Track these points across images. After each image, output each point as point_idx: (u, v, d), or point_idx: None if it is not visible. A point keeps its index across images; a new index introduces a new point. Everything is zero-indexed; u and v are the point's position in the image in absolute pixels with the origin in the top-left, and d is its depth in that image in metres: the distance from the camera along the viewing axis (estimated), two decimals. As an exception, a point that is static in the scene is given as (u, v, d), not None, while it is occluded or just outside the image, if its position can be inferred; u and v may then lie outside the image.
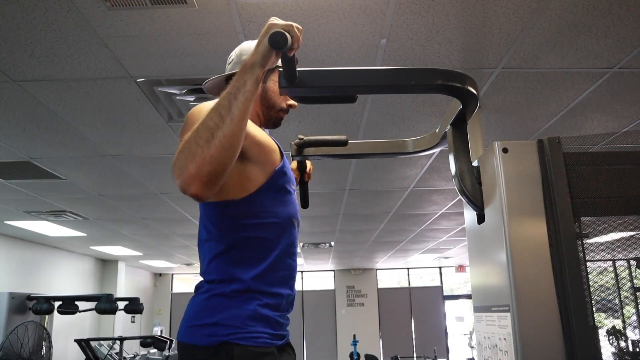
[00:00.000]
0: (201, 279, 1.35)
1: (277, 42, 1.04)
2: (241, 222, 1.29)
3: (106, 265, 9.98)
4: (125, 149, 3.63)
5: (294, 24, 1.08)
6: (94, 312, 6.09)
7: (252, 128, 1.31)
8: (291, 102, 1.49)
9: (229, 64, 1.49)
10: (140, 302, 6.59)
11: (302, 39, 1.13)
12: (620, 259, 1.36)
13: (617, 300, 1.33)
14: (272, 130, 1.54)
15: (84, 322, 8.83)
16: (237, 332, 1.21)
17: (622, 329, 1.34)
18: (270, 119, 1.48)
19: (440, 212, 6.09)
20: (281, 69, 1.19)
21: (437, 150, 1.74)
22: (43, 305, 5.97)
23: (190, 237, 7.31)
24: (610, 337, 1.34)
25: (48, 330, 6.11)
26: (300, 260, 10.41)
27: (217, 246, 1.31)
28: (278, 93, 1.44)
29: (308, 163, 1.98)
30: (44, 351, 5.84)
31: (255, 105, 1.44)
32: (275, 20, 1.09)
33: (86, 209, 5.48)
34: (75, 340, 6.07)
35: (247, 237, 1.29)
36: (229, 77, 1.42)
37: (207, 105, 1.22)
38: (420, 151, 1.75)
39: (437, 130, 1.67)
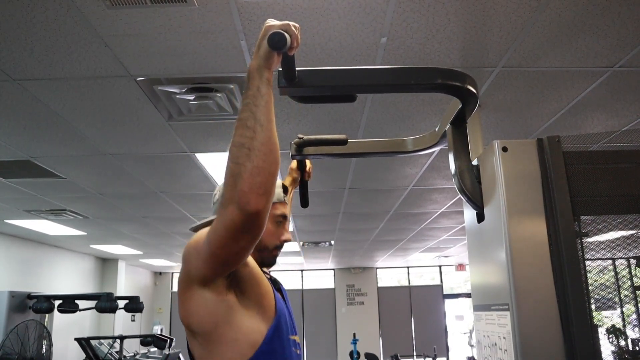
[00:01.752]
0: None
1: (277, 43, 1.04)
2: None
3: (106, 264, 9.99)
4: (125, 147, 3.63)
5: (291, 23, 1.06)
6: (94, 310, 6.10)
7: (251, 264, 1.26)
8: (285, 236, 1.42)
9: (214, 203, 1.43)
10: (140, 300, 6.60)
11: (301, 37, 1.11)
12: (620, 258, 1.36)
13: (616, 299, 1.33)
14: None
15: (84, 321, 8.83)
16: None
17: (621, 328, 1.34)
18: (264, 261, 1.40)
19: (440, 211, 6.09)
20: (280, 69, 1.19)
21: (436, 149, 1.74)
22: (43, 304, 5.98)
23: (190, 236, 7.29)
24: (610, 336, 1.34)
25: (48, 329, 6.11)
26: (300, 259, 10.42)
27: None
28: (272, 234, 1.38)
29: (307, 162, 1.98)
30: (44, 350, 5.84)
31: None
32: (271, 21, 1.07)
33: (86, 208, 5.48)
34: (76, 339, 6.08)
35: None
36: None
37: (203, 233, 1.18)
38: (420, 150, 1.75)
39: (436, 129, 1.67)
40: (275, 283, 1.44)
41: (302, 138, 1.69)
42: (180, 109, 3.06)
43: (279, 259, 1.72)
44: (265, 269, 1.46)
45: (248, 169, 1.01)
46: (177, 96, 2.85)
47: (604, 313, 1.31)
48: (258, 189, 1.01)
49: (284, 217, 1.43)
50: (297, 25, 1.08)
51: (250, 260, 1.26)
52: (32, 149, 3.61)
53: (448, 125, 1.52)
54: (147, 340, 6.91)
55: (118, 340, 6.47)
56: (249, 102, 1.05)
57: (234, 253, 1.10)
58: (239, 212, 1.01)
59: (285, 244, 1.47)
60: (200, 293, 1.17)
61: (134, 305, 6.51)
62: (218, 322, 1.18)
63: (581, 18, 2.21)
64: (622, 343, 1.34)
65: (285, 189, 1.46)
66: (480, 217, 1.38)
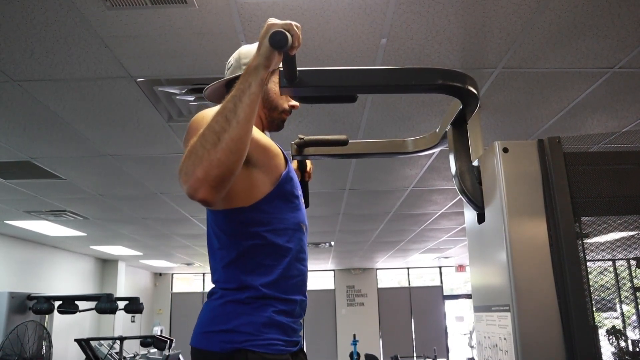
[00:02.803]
0: (213, 286, 1.35)
1: (278, 42, 1.04)
2: (251, 229, 1.28)
3: (106, 265, 9.98)
4: (125, 148, 3.63)
5: (293, 23, 1.08)
6: (94, 311, 6.09)
7: (256, 133, 1.30)
8: (293, 102, 1.47)
9: (228, 69, 1.49)
10: (140, 301, 6.59)
11: (302, 37, 1.12)
12: (621, 259, 1.36)
13: (617, 300, 1.33)
14: (272, 135, 1.53)
15: (84, 322, 8.83)
16: (253, 339, 1.21)
17: (622, 329, 1.34)
18: (274, 121, 1.47)
19: (440, 212, 6.09)
20: (281, 69, 1.19)
21: (437, 150, 1.74)
22: (43, 305, 5.97)
23: (190, 237, 7.31)
24: (610, 337, 1.34)
25: (48, 329, 6.11)
26: (300, 260, 10.39)
27: (228, 254, 1.30)
28: (279, 94, 1.43)
29: (308, 162, 1.98)
30: (44, 351, 5.84)
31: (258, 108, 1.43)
32: (273, 20, 1.08)
33: (86, 209, 5.48)
34: (76, 340, 6.07)
35: (257, 244, 1.28)
36: (229, 83, 1.41)
37: (211, 112, 1.21)
38: (420, 151, 1.75)
39: (437, 130, 1.67)
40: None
41: (302, 138, 1.69)
42: (180, 110, 3.06)
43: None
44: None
45: (210, 157, 1.03)
46: (177, 97, 2.86)
47: (605, 314, 1.31)
48: (211, 181, 1.03)
49: None
50: (298, 25, 1.08)
51: (254, 133, 1.27)
52: (32, 150, 3.61)
53: (448, 126, 1.52)
54: (147, 341, 6.90)
55: (118, 341, 6.47)
56: (235, 95, 1.07)
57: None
58: (189, 193, 1.05)
59: None
60: None
61: (134, 306, 6.50)
62: None
63: (581, 19, 2.21)
64: (623, 344, 1.34)
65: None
66: (481, 218, 1.38)
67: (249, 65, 1.09)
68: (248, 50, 1.44)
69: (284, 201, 1.33)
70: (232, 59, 1.48)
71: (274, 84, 1.44)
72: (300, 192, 1.45)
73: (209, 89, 1.50)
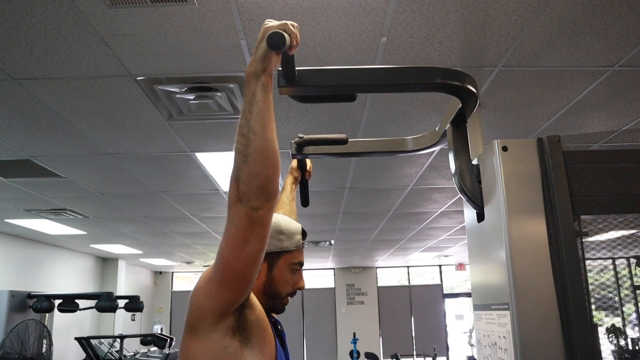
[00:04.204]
0: None
1: (276, 43, 1.03)
2: None
3: (106, 263, 9.99)
4: (125, 147, 3.63)
5: (289, 22, 1.06)
6: (94, 310, 6.10)
7: (256, 302, 1.26)
8: (300, 284, 1.41)
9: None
10: (141, 300, 6.60)
11: (300, 36, 1.11)
12: (620, 257, 1.36)
13: (616, 299, 1.34)
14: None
15: (84, 321, 8.84)
16: None
17: (621, 327, 1.34)
18: (274, 307, 1.39)
19: (440, 211, 6.09)
20: (280, 69, 1.19)
21: (437, 148, 1.75)
22: (43, 304, 5.98)
23: (191, 235, 7.31)
24: (610, 335, 1.34)
25: (48, 328, 6.12)
26: (300, 259, 10.40)
27: None
28: (286, 282, 1.37)
29: (308, 161, 1.98)
30: (44, 349, 5.84)
31: (258, 295, 1.32)
32: (269, 22, 1.06)
33: (86, 208, 5.48)
34: (76, 339, 6.08)
35: None
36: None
37: (209, 269, 1.21)
38: (420, 149, 1.76)
39: (437, 129, 1.67)
40: (276, 326, 1.43)
41: (302, 137, 1.69)
42: (180, 109, 3.05)
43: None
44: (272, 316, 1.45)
45: (245, 173, 1.05)
46: (177, 95, 2.85)
47: (604, 312, 1.31)
48: (256, 190, 1.05)
49: (301, 265, 1.42)
50: (295, 24, 1.07)
51: (257, 305, 1.26)
52: (32, 149, 3.61)
53: (448, 125, 1.52)
54: (147, 339, 6.92)
55: (118, 340, 6.48)
56: (245, 109, 1.07)
57: (246, 258, 1.09)
58: (244, 207, 1.06)
59: None
60: (208, 336, 1.15)
61: (134, 304, 6.51)
62: None
63: (581, 18, 2.21)
64: (622, 342, 1.34)
65: (304, 234, 1.45)
66: (481, 217, 1.38)
67: (247, 74, 1.07)
68: (288, 230, 1.43)
69: None
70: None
71: (279, 271, 1.37)
72: None
73: None
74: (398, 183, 4.84)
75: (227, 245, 1.10)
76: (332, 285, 12.52)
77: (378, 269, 12.67)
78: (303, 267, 1.46)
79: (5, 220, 5.98)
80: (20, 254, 7.25)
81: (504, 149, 1.27)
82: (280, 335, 1.42)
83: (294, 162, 1.98)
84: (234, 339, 1.16)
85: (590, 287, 1.20)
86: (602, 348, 1.17)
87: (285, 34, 1.03)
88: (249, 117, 1.05)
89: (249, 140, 1.05)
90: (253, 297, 1.25)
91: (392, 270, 13.01)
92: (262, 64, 1.06)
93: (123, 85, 2.70)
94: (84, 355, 6.11)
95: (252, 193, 1.05)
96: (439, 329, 12.17)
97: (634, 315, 1.39)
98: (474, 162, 1.43)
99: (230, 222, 1.09)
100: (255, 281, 1.22)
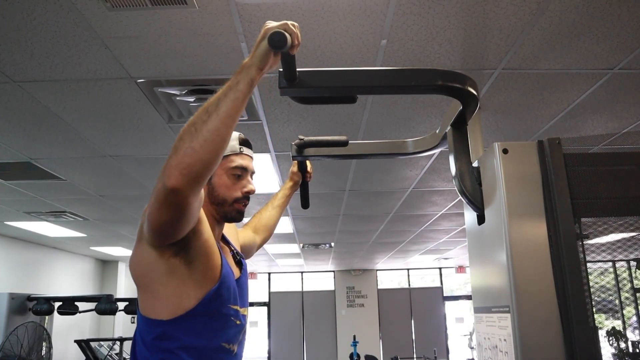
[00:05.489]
0: None
1: (277, 42, 1.03)
2: (163, 344, 1.23)
3: (106, 266, 9.98)
4: (125, 149, 3.63)
5: (289, 22, 1.06)
6: (94, 312, 6.09)
7: (205, 229, 1.28)
8: (248, 187, 1.41)
9: None
10: (140, 303, 6.58)
11: (301, 37, 1.11)
12: (621, 260, 1.36)
13: (617, 301, 1.33)
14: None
15: (84, 323, 8.82)
16: None
17: (622, 330, 1.34)
18: (227, 215, 1.40)
19: (440, 213, 6.08)
20: (281, 70, 1.19)
21: (437, 151, 1.74)
22: (43, 306, 5.98)
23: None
24: (610, 338, 1.34)
25: (48, 330, 6.11)
26: (300, 261, 10.40)
27: None
28: (228, 187, 1.39)
29: (308, 163, 1.98)
30: (43, 352, 5.84)
31: (207, 205, 1.37)
32: (270, 23, 1.06)
33: (86, 210, 5.48)
34: (75, 341, 6.07)
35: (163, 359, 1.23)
36: None
37: None
38: (420, 152, 1.75)
39: (437, 131, 1.67)
40: (235, 255, 1.48)
41: (302, 139, 1.69)
42: (180, 111, 3.06)
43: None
44: (232, 244, 1.51)
45: (185, 146, 1.04)
46: (177, 98, 2.86)
47: (605, 315, 1.31)
48: (183, 169, 1.03)
49: (242, 169, 1.41)
50: (295, 24, 1.07)
51: (206, 230, 1.28)
52: (32, 151, 3.61)
53: (448, 127, 1.51)
54: (147, 342, 6.89)
55: (118, 342, 6.47)
56: (222, 91, 1.06)
57: (162, 224, 1.14)
58: (161, 185, 1.05)
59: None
60: (146, 249, 1.23)
61: (134, 307, 6.49)
62: (154, 279, 1.23)
63: (581, 20, 2.21)
64: (623, 345, 1.34)
65: (244, 142, 1.45)
66: (481, 219, 1.38)
67: (242, 64, 1.07)
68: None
69: (206, 319, 1.27)
70: None
71: (217, 178, 1.39)
72: (235, 308, 1.36)
73: None
74: (398, 185, 4.84)
75: (148, 208, 1.14)
76: (332, 288, 12.50)
77: (378, 272, 12.66)
78: (253, 174, 1.46)
79: (5, 222, 5.97)
80: (20, 257, 7.25)
81: (505, 151, 1.26)
82: (239, 262, 1.47)
83: (294, 166, 1.98)
84: (174, 257, 1.22)
85: (591, 289, 1.20)
86: (603, 351, 1.17)
87: (286, 34, 1.03)
88: (222, 99, 1.05)
89: (210, 117, 1.04)
90: (202, 224, 1.27)
91: (392, 272, 13.00)
92: (259, 62, 1.06)
93: (123, 87, 2.70)
94: (83, 357, 6.10)
95: (177, 169, 1.03)
96: (439, 332, 12.15)
97: (635, 318, 1.39)
98: (475, 164, 1.43)
99: (153, 190, 1.09)
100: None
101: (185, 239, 1.21)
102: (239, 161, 1.40)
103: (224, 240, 1.52)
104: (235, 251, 1.50)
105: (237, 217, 1.42)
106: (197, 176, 1.05)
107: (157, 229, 1.16)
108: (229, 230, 1.61)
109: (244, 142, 1.44)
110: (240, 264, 1.48)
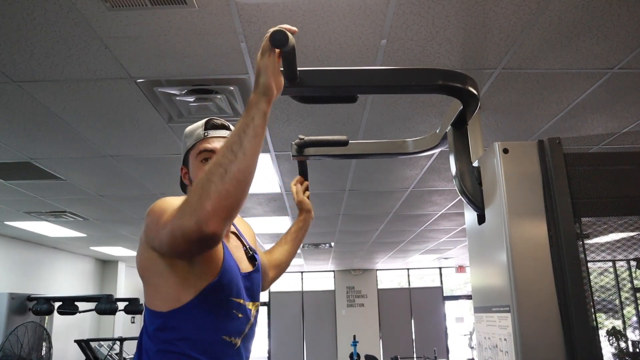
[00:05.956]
0: None
1: (278, 41, 1.04)
2: (163, 334, 1.26)
3: (106, 265, 9.98)
4: (125, 149, 3.63)
5: (281, 26, 1.07)
6: (94, 312, 6.09)
7: None
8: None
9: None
10: (140, 302, 6.59)
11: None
12: (621, 260, 1.36)
13: (617, 301, 1.33)
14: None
15: (84, 323, 8.82)
16: None
17: (622, 330, 1.34)
18: None
19: (441, 213, 6.09)
20: (282, 69, 1.19)
21: (437, 150, 1.74)
22: (43, 306, 5.98)
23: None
24: (611, 338, 1.34)
25: (48, 330, 6.11)
26: (300, 261, 10.40)
27: (139, 354, 1.31)
28: (199, 173, 1.38)
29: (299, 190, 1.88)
30: (43, 352, 5.84)
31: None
32: (263, 46, 1.08)
33: (86, 210, 5.48)
34: (75, 341, 6.07)
35: (162, 350, 1.26)
36: (185, 160, 1.46)
37: (173, 199, 1.27)
38: (420, 152, 1.75)
39: (437, 131, 1.67)
40: (249, 251, 1.47)
41: (303, 139, 1.69)
42: (180, 111, 3.06)
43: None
44: (245, 239, 1.50)
45: (218, 189, 1.02)
46: (177, 98, 2.85)
47: (605, 315, 1.31)
48: (221, 212, 1.02)
49: (209, 151, 1.39)
50: (286, 25, 1.08)
51: None
52: (32, 151, 3.61)
53: (449, 127, 1.51)
54: (147, 342, 6.89)
55: (118, 342, 6.47)
56: (240, 128, 1.07)
57: (182, 251, 1.15)
58: (196, 228, 1.02)
59: None
60: (149, 249, 1.27)
61: (133, 307, 6.51)
62: (156, 272, 1.26)
63: (581, 20, 2.21)
64: (623, 345, 1.34)
65: (209, 125, 1.42)
66: (481, 219, 1.38)
67: (250, 100, 1.09)
68: (190, 130, 1.45)
69: (208, 310, 1.27)
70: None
71: (192, 168, 1.41)
72: (240, 302, 1.35)
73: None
74: (398, 185, 4.84)
75: (170, 233, 1.10)
76: (332, 288, 12.51)
77: (378, 271, 12.66)
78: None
79: (5, 222, 5.97)
80: (20, 257, 7.25)
81: (505, 151, 1.26)
82: (252, 257, 1.47)
83: (297, 192, 1.85)
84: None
85: (591, 289, 1.19)
86: (603, 351, 1.17)
87: (287, 32, 1.04)
88: (243, 137, 1.06)
89: (237, 157, 1.04)
90: None
91: (392, 272, 13.00)
92: (265, 94, 1.08)
93: (123, 87, 2.70)
94: (83, 357, 6.10)
95: (216, 215, 1.01)
96: (439, 332, 12.15)
97: (635, 318, 1.39)
98: (475, 164, 1.43)
99: (177, 222, 1.06)
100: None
101: None
102: (204, 145, 1.40)
103: (236, 233, 1.51)
104: (248, 246, 1.49)
105: None
106: (234, 214, 1.07)
107: (174, 250, 1.16)
108: (244, 227, 1.61)
109: (210, 126, 1.43)
110: (253, 259, 1.47)
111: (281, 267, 1.77)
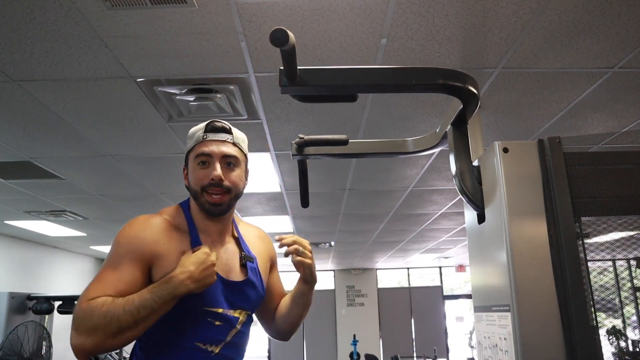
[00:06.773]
0: None
1: (278, 39, 1.03)
2: (142, 337, 1.36)
3: (106, 265, 9.97)
4: (125, 148, 3.63)
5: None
6: (94, 312, 6.08)
7: (167, 263, 1.33)
8: (213, 174, 1.34)
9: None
10: (140, 302, 6.58)
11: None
12: (621, 259, 1.36)
13: (617, 300, 1.33)
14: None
15: (84, 322, 8.82)
16: None
17: (622, 329, 1.34)
18: (203, 207, 1.37)
19: (440, 212, 6.09)
20: (282, 68, 1.19)
21: (437, 150, 1.74)
22: (43, 305, 5.98)
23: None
24: (611, 337, 1.34)
25: (48, 330, 6.11)
26: (300, 260, 10.38)
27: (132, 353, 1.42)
28: (197, 177, 1.36)
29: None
30: (43, 351, 5.84)
31: (193, 201, 1.41)
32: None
33: (86, 209, 5.48)
34: (75, 340, 6.05)
35: (143, 350, 1.37)
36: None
37: (137, 226, 1.47)
38: (420, 151, 1.75)
39: (437, 130, 1.67)
40: (244, 259, 1.45)
41: (302, 138, 1.68)
42: (180, 110, 3.05)
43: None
44: (246, 247, 1.50)
45: (106, 342, 1.18)
46: (177, 97, 2.85)
47: (605, 314, 1.31)
48: (93, 353, 1.19)
49: (206, 155, 1.36)
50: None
51: (169, 259, 1.33)
52: (32, 150, 3.61)
53: (449, 126, 1.51)
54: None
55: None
56: (148, 300, 1.21)
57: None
58: (72, 342, 1.20)
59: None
60: None
61: (133, 306, 6.48)
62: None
63: (581, 19, 2.21)
64: (623, 344, 1.34)
65: (210, 128, 1.39)
66: (481, 218, 1.38)
67: (167, 289, 1.21)
68: (192, 131, 1.44)
69: (178, 318, 1.30)
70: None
71: (191, 170, 1.39)
72: (227, 305, 1.36)
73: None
74: (398, 185, 4.84)
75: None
76: (332, 287, 12.51)
77: (378, 271, 12.66)
78: (229, 158, 1.39)
79: (5, 221, 5.97)
80: (20, 256, 7.25)
81: (505, 150, 1.26)
82: (243, 260, 1.46)
83: (293, 257, 1.49)
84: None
85: (591, 288, 1.19)
86: (603, 350, 1.17)
87: (287, 31, 1.03)
88: (152, 313, 1.21)
89: (137, 327, 1.20)
90: (162, 260, 1.34)
91: (392, 271, 13.00)
92: (172, 296, 1.23)
93: (123, 86, 2.70)
94: (83, 357, 6.08)
95: (88, 354, 1.18)
96: (439, 331, 12.16)
97: (635, 317, 1.39)
98: (475, 163, 1.43)
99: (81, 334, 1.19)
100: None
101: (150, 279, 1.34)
102: (202, 148, 1.37)
103: (238, 239, 1.48)
104: (243, 255, 1.45)
105: (211, 209, 1.36)
106: (100, 353, 1.31)
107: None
108: (258, 241, 1.59)
109: (210, 128, 1.39)
110: (245, 267, 1.44)
111: (283, 320, 1.67)
